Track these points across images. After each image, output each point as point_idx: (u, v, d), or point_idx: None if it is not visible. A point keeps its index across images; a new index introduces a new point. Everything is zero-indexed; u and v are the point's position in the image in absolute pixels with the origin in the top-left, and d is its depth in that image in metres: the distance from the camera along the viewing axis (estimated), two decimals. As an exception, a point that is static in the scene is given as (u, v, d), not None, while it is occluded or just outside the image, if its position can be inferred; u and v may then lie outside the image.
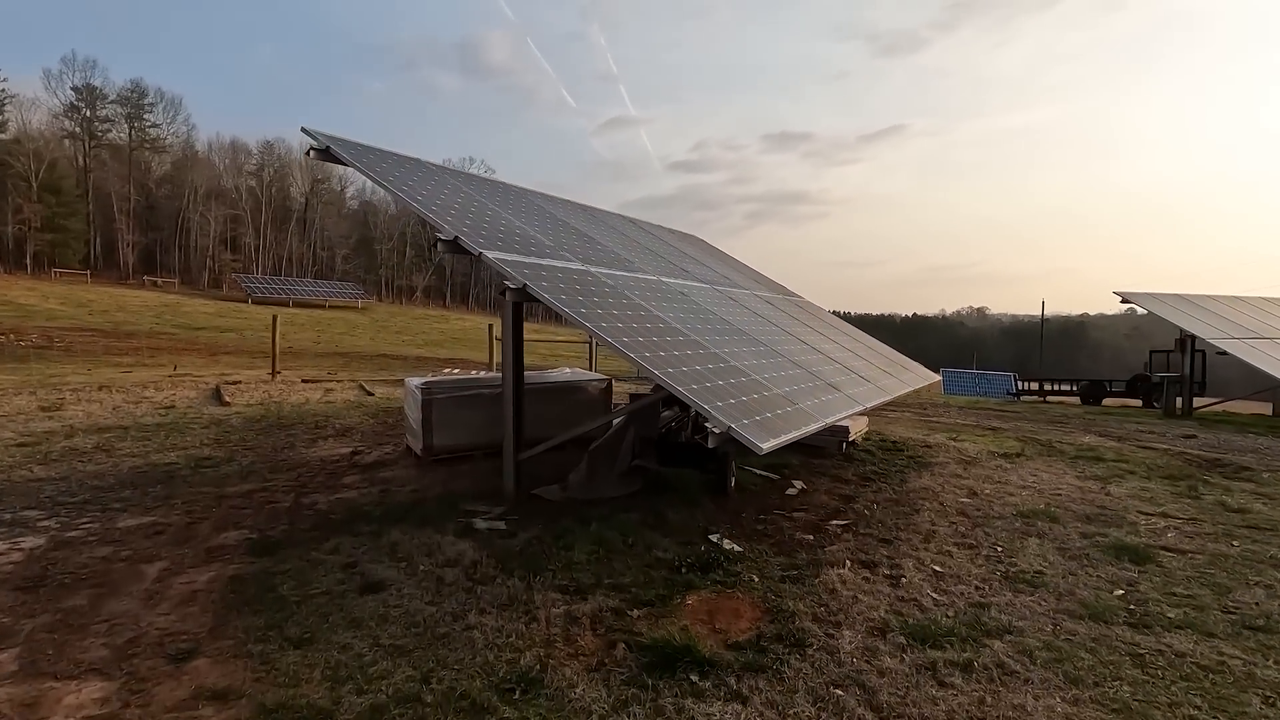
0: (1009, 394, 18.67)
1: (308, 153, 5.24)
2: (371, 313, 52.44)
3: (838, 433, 7.94)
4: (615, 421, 6.30)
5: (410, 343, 36.69)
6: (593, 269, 5.91)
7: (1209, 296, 15.63)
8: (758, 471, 6.67)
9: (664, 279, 7.20)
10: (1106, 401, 19.73)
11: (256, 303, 46.31)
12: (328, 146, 5.22)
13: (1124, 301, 14.50)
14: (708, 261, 10.28)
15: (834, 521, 5.18)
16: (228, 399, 11.03)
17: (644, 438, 5.88)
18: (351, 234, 77.45)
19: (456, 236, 4.66)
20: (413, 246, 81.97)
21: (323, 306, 50.50)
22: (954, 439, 9.09)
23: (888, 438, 8.73)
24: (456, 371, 15.37)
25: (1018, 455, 8.00)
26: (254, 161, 75.70)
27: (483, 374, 15.25)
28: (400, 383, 14.36)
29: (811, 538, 4.80)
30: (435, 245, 4.56)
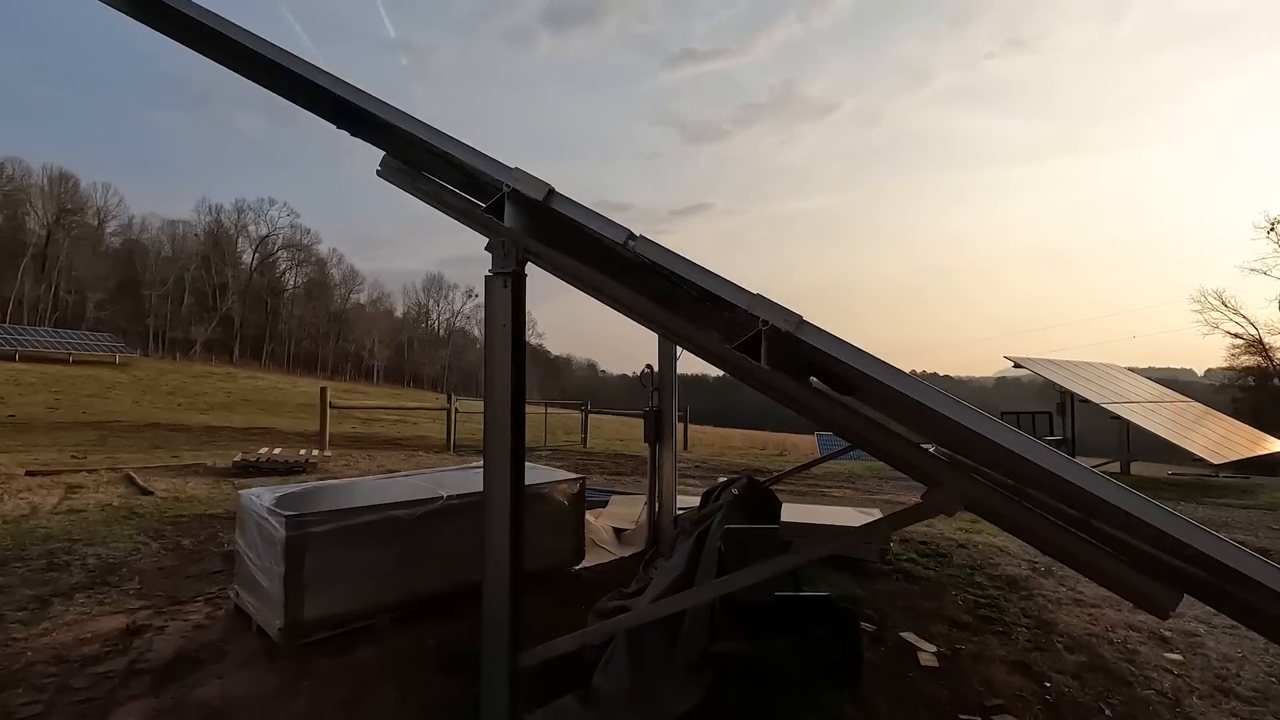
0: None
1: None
2: (135, 369, 42.85)
3: (875, 537, 6.00)
4: (660, 562, 3.76)
5: (190, 406, 29.75)
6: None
7: (1072, 362, 16.52)
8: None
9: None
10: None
11: (-37, 356, 35.62)
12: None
13: (1016, 366, 14.68)
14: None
15: (1087, 737, 3.10)
16: (-124, 515, 6.57)
17: (730, 602, 3.41)
18: (111, 276, 64.31)
19: (552, 190, 1.97)
20: (193, 293, 70.34)
21: (65, 362, 40.32)
22: (970, 532, 7.58)
23: (910, 536, 6.96)
24: (278, 452, 11.43)
25: (1066, 553, 6.60)
26: (-26, 183, 60.69)
27: (329, 468, 11.57)
28: (195, 470, 10.20)
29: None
30: (488, 209, 1.82)
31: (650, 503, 6.31)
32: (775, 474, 6.67)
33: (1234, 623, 4.71)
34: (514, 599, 3.03)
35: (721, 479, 4.94)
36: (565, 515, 5.16)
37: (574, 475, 5.35)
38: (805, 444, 30.21)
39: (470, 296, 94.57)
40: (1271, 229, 33.39)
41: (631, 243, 1.53)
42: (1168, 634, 4.39)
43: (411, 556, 4.20)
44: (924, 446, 2.77)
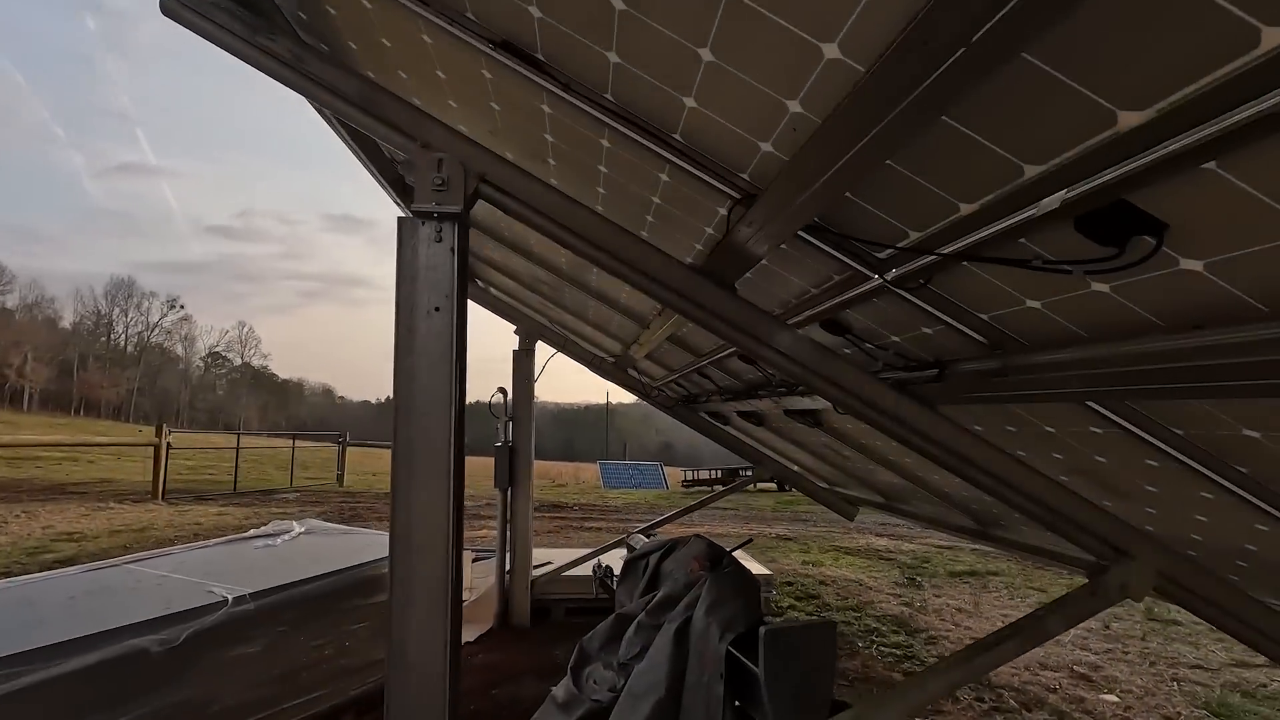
0: (684, 483, 18.59)
1: None
2: None
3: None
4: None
5: None
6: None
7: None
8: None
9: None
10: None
11: None
12: None
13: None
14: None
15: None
16: None
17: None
18: None
19: None
20: None
21: None
22: (813, 564, 7.34)
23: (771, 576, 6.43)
24: None
25: (911, 582, 6.61)
26: None
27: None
28: None
29: None
30: None
31: (500, 564, 4.93)
32: (670, 513, 5.74)
33: (1108, 646, 4.86)
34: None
35: (644, 538, 3.84)
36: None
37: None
38: (570, 472, 29.56)
39: (172, 308, 78.89)
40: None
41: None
42: (1080, 670, 4.31)
43: (169, 714, 2.41)
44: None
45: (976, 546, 8.58)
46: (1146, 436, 1.51)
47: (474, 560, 6.15)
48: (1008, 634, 1.85)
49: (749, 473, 20.08)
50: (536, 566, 5.19)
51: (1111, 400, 1.45)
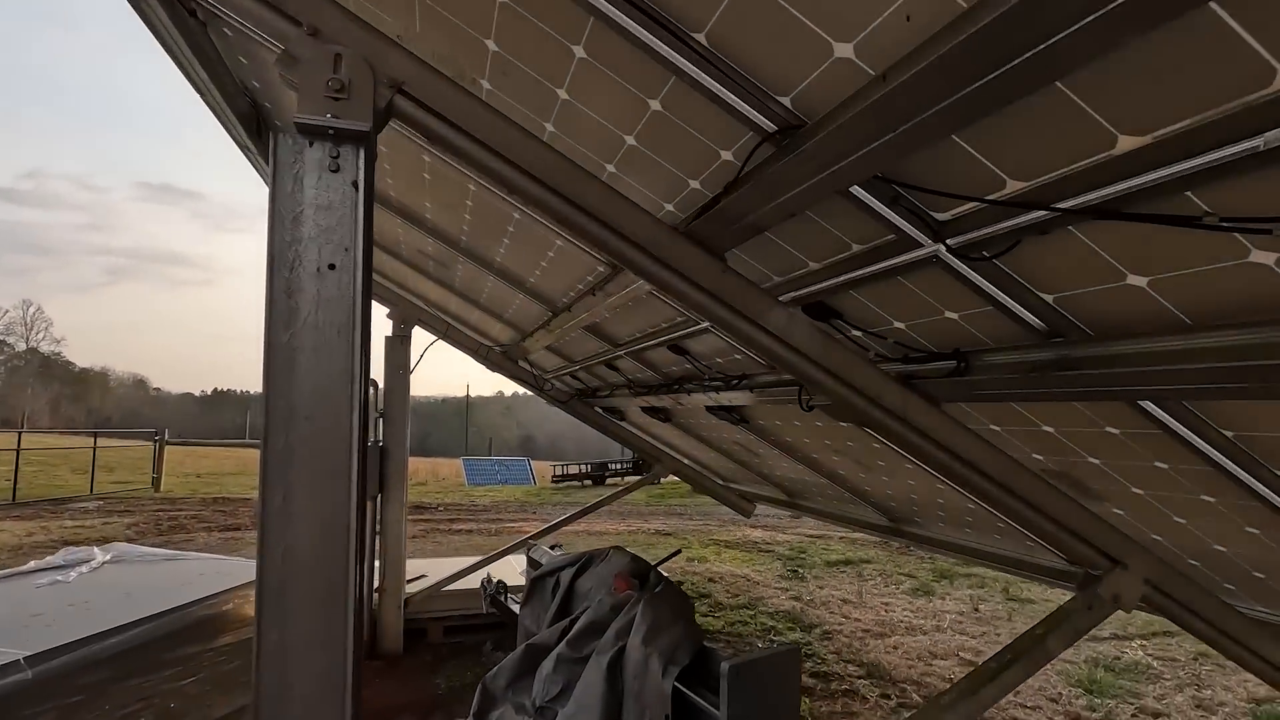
0: (554, 480, 17.94)
1: None
2: None
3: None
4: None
5: None
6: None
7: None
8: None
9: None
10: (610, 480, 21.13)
11: None
12: None
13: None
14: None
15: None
16: None
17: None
18: None
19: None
20: None
21: None
22: (698, 560, 7.22)
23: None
24: None
25: (794, 574, 6.68)
26: None
27: None
28: None
29: None
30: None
31: (367, 582, 4.27)
32: (570, 513, 5.24)
33: (982, 629, 5.09)
34: None
35: (549, 549, 3.37)
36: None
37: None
38: (428, 468, 27.96)
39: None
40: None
41: None
42: (966, 656, 4.45)
43: None
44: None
45: (845, 534, 8.94)
46: (1191, 437, 1.35)
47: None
48: (1010, 659, 1.66)
49: (616, 466, 20.04)
50: (409, 581, 4.59)
51: (1172, 399, 1.27)
